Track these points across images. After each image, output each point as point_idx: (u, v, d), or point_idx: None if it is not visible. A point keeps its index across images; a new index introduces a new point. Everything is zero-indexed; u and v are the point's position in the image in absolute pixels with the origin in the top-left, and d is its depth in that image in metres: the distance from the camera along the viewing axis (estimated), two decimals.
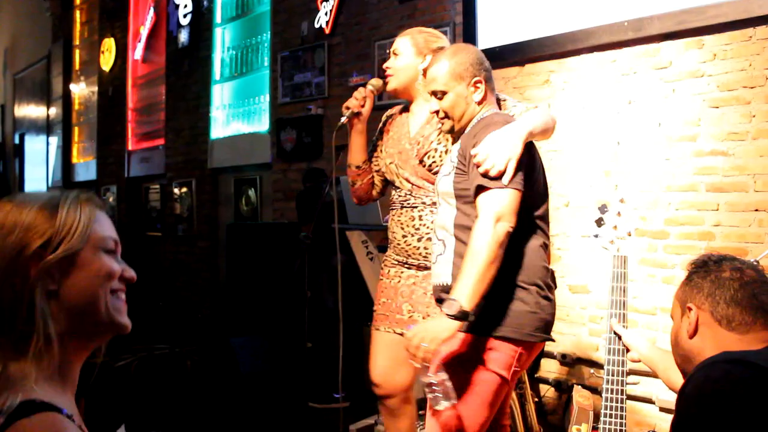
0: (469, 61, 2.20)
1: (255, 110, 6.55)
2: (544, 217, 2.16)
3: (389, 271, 2.59)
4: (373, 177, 2.70)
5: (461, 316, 1.87)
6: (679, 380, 1.68)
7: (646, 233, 3.49)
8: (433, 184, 2.46)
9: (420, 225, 2.47)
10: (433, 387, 1.93)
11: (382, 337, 2.58)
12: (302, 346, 4.00)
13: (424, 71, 2.51)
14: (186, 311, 6.94)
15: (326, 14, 5.45)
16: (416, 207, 2.49)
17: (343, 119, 2.53)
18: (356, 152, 2.63)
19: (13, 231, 1.05)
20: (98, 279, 1.12)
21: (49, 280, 1.06)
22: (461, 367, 2.03)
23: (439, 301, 2.13)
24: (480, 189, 1.97)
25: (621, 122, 3.62)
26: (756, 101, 3.13)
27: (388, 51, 2.67)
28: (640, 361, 2.08)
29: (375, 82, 2.62)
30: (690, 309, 1.50)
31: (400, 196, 2.55)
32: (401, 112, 2.66)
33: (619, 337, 2.18)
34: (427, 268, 2.45)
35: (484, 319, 2.01)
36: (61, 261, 1.07)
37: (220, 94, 7.01)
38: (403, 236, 2.51)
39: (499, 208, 1.93)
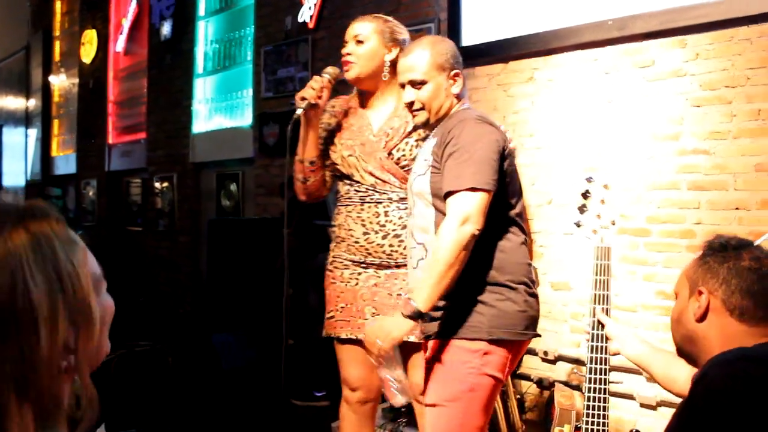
0: (450, 53, 2.17)
1: (238, 104, 6.51)
2: (522, 215, 2.16)
3: (342, 273, 2.45)
4: (324, 173, 2.52)
5: (416, 316, 1.91)
6: (679, 380, 1.69)
7: (628, 231, 3.50)
8: (399, 178, 2.38)
9: (386, 221, 2.37)
10: (389, 383, 1.99)
11: (348, 347, 2.48)
12: (284, 344, 3.98)
13: (392, 63, 2.39)
14: (167, 307, 6.89)
15: (310, 8, 5.42)
16: (381, 203, 2.38)
17: (299, 111, 2.33)
18: (311, 147, 2.43)
19: (27, 327, 0.84)
20: (105, 325, 0.99)
21: (70, 355, 0.90)
22: (457, 372, 2.02)
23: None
24: (449, 192, 1.96)
25: (604, 120, 3.63)
26: (737, 101, 3.15)
27: (345, 39, 2.47)
28: (619, 353, 1.99)
29: (332, 71, 2.43)
30: (701, 293, 1.44)
31: (359, 191, 2.41)
32: (355, 104, 2.51)
33: (602, 326, 2.06)
34: (388, 266, 2.38)
35: (477, 323, 2.00)
36: (77, 329, 0.91)
37: (203, 88, 6.96)
38: (365, 233, 2.39)
39: (465, 210, 1.92)
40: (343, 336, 2.46)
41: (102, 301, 0.98)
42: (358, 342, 2.41)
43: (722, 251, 1.46)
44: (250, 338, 4.43)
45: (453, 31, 4.31)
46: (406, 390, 1.98)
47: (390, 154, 2.38)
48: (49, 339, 0.83)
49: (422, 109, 2.15)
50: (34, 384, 0.84)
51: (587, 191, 2.22)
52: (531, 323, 2.07)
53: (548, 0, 3.87)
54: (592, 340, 2.05)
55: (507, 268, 2.05)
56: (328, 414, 3.70)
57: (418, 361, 2.29)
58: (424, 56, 2.12)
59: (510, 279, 2.04)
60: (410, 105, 2.17)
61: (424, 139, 2.30)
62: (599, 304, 2.08)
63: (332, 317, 2.49)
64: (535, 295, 2.10)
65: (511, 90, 4.05)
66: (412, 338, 2.32)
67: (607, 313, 2.06)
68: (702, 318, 1.44)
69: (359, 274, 2.43)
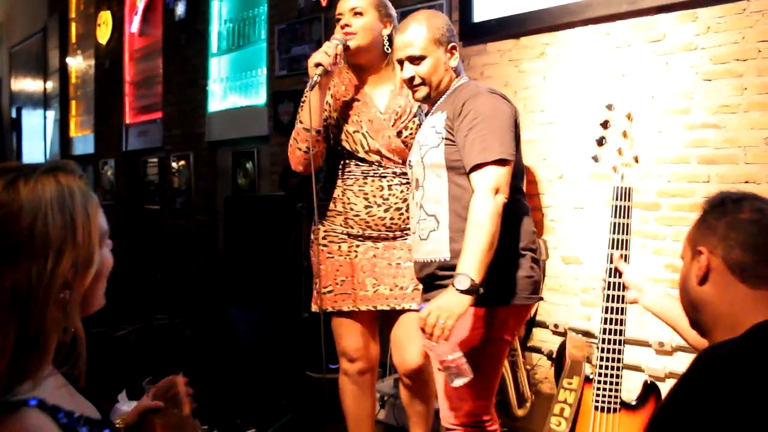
0: (446, 26, 2.19)
1: (252, 83, 6.55)
2: (523, 183, 2.23)
3: (339, 247, 2.47)
4: (325, 144, 2.50)
5: (473, 289, 1.90)
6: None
7: (638, 205, 3.53)
8: (403, 156, 2.41)
9: (389, 195, 2.41)
10: (449, 365, 1.94)
11: (348, 320, 2.52)
12: (299, 317, 4.06)
13: (389, 37, 2.41)
14: (184, 283, 7.00)
15: None
16: (385, 177, 2.42)
17: (316, 78, 2.29)
18: (318, 116, 2.38)
19: (41, 253, 0.99)
20: (103, 276, 1.13)
21: (66, 289, 1.04)
22: (470, 336, 2.08)
23: (434, 277, 2.14)
24: (477, 165, 2.00)
25: (614, 95, 3.65)
26: (748, 74, 3.15)
27: (340, 12, 2.43)
28: (636, 302, 1.93)
29: (341, 37, 2.39)
30: (701, 253, 1.33)
31: (360, 165, 2.43)
32: (352, 79, 2.50)
33: (620, 274, 1.95)
34: (386, 239, 2.42)
35: (490, 290, 2.06)
36: (77, 267, 1.06)
37: (218, 67, 7.00)
38: (366, 206, 2.42)
39: (495, 181, 1.97)
40: (345, 309, 2.49)
41: (103, 253, 1.10)
42: (358, 314, 2.49)
43: (721, 206, 1.35)
44: (267, 312, 4.52)
45: (464, 7, 4.32)
46: (464, 370, 1.95)
47: (399, 133, 2.42)
48: (54, 268, 0.98)
49: (422, 84, 2.17)
50: (30, 307, 0.97)
51: (607, 121, 2.01)
52: (536, 288, 2.14)
53: None
54: (609, 288, 1.98)
55: (515, 236, 2.11)
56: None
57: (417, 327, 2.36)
58: (421, 31, 2.13)
59: (521, 247, 2.11)
60: (410, 81, 2.18)
61: (426, 114, 2.32)
62: (617, 249, 1.96)
63: (331, 291, 2.51)
64: (538, 261, 2.16)
65: (522, 65, 4.07)
66: (413, 305, 2.41)
67: (625, 260, 1.97)
68: (703, 280, 1.32)
69: (357, 246, 2.46)
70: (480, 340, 2.08)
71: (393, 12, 2.49)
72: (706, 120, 3.29)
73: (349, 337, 2.55)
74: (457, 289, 1.90)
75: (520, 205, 2.16)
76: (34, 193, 0.98)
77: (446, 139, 2.09)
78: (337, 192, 2.48)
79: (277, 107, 5.93)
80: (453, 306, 1.90)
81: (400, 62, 2.20)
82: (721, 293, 1.30)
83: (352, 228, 2.46)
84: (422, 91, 2.18)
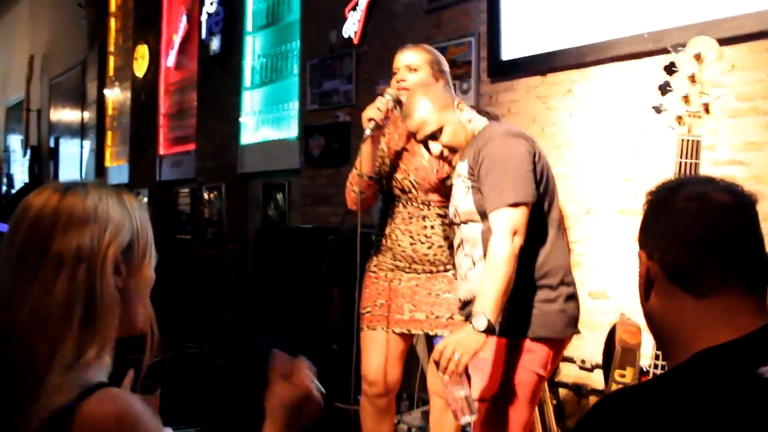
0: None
1: (284, 117, 6.70)
2: (559, 216, 2.25)
3: (386, 274, 2.67)
4: (377, 187, 2.71)
5: (490, 329, 1.97)
6: None
7: None
8: (446, 199, 2.54)
9: (432, 234, 2.60)
10: (459, 400, 1.98)
11: (377, 336, 2.67)
12: (328, 348, 4.11)
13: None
14: (214, 312, 7.10)
15: (354, 24, 5.58)
16: (428, 218, 2.61)
17: (368, 132, 2.50)
18: (371, 163, 2.61)
19: (102, 224, 1.10)
20: (146, 287, 1.21)
21: (119, 277, 1.13)
22: (502, 370, 2.13)
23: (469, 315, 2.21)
24: (493, 209, 2.08)
25: (641, 131, 3.69)
26: None
27: (396, 67, 2.63)
28: None
29: (393, 93, 2.56)
30: (640, 259, 1.08)
31: (405, 206, 2.63)
32: (404, 128, 2.61)
33: None
34: (430, 271, 2.60)
35: (519, 322, 2.11)
36: (130, 261, 1.15)
37: (250, 101, 7.18)
38: (411, 244, 2.61)
39: (511, 225, 2.04)
40: (378, 329, 2.66)
41: (150, 264, 1.21)
42: (388, 338, 2.65)
43: (657, 196, 1.09)
44: (296, 343, 4.58)
45: (492, 44, 4.42)
46: (472, 406, 2.00)
47: (441, 180, 2.57)
48: (113, 237, 1.11)
49: (452, 151, 2.25)
50: (91, 267, 1.08)
51: (673, 64, 1.78)
52: (570, 322, 2.17)
53: (586, 14, 3.96)
54: None
55: (546, 270, 2.16)
56: None
57: None
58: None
59: (552, 281, 2.15)
60: (440, 156, 2.27)
61: None
62: None
63: (368, 312, 2.69)
64: (574, 295, 2.19)
65: (549, 102, 4.14)
66: (446, 333, 2.51)
67: None
68: (647, 293, 1.08)
69: (401, 276, 2.65)
70: (505, 371, 2.13)
71: (446, 68, 2.65)
72: (732, 157, 3.31)
73: (372, 358, 2.69)
74: (474, 328, 1.96)
75: (548, 238, 2.19)
76: (99, 190, 1.15)
77: (472, 187, 2.17)
78: (387, 230, 2.68)
79: (308, 141, 6.05)
80: (470, 342, 1.96)
81: (423, 143, 2.28)
82: (666, 307, 1.05)
83: (400, 261, 2.66)
84: (456, 159, 2.28)
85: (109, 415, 1.01)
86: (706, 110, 1.69)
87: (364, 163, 2.58)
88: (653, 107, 1.85)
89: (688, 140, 1.70)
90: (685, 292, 1.01)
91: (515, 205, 2.04)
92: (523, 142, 2.16)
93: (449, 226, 2.55)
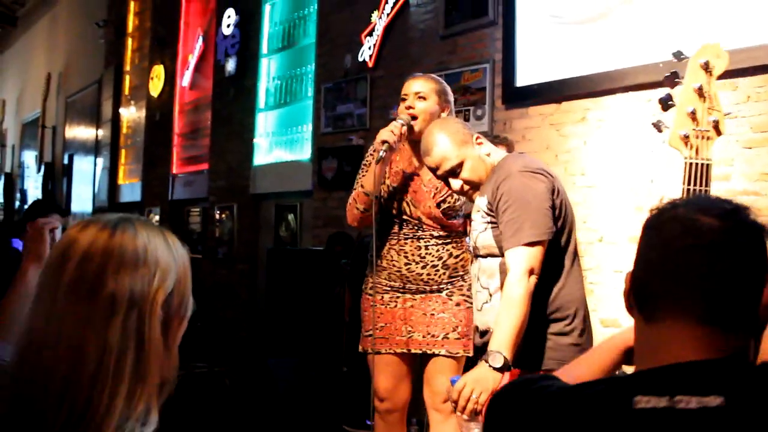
0: (460, 124, 2.32)
1: (297, 139, 6.75)
2: (577, 249, 2.24)
3: (383, 297, 2.74)
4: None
5: (506, 367, 1.98)
6: None
7: None
8: (441, 223, 2.65)
9: (426, 254, 2.67)
10: None
11: (383, 359, 2.75)
12: (338, 370, 4.12)
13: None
14: (224, 332, 7.10)
15: (370, 48, 5.64)
16: (422, 238, 2.69)
17: (382, 154, 2.55)
18: (376, 181, 2.65)
19: (151, 268, 1.05)
20: (181, 331, 1.13)
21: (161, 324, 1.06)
22: None
23: (483, 347, 2.20)
24: (510, 247, 2.07)
25: (654, 160, 3.70)
26: None
27: (405, 93, 2.68)
28: None
29: (405, 117, 2.63)
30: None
31: (402, 228, 2.71)
32: (408, 153, 2.74)
33: None
34: (423, 291, 2.68)
35: (532, 354, 2.11)
36: (171, 307, 1.08)
37: (264, 122, 7.23)
38: (406, 264, 2.68)
39: (527, 264, 2.04)
40: (383, 351, 2.74)
41: (186, 314, 1.13)
42: (394, 357, 2.74)
43: (656, 212, 1.02)
44: (306, 364, 4.58)
45: (507, 71, 4.45)
46: None
47: (438, 205, 2.65)
48: (161, 283, 1.05)
49: (472, 187, 2.26)
50: (142, 312, 1.02)
51: (675, 75, 1.53)
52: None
53: (600, 42, 3.99)
54: None
55: (561, 303, 2.15)
56: None
57: (445, 369, 2.59)
58: (445, 143, 2.22)
59: (564, 312, 2.14)
60: (461, 191, 2.28)
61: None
62: None
63: (371, 335, 2.76)
64: (589, 327, 2.19)
65: (563, 130, 4.16)
66: (443, 351, 2.64)
67: None
68: (628, 306, 1.04)
69: (397, 297, 2.73)
70: None
71: (451, 98, 2.74)
72: (747, 187, 3.32)
73: (381, 377, 2.76)
74: (491, 366, 1.96)
75: (564, 270, 2.18)
76: (146, 228, 1.09)
77: (490, 222, 2.18)
78: (384, 250, 2.74)
79: (321, 163, 6.09)
80: (487, 381, 1.95)
81: (444, 180, 2.30)
82: (636, 332, 1.04)
83: (395, 282, 2.72)
84: (476, 193, 2.27)
85: None
86: (717, 130, 1.44)
87: (372, 182, 2.64)
88: (653, 124, 1.67)
89: (695, 164, 1.47)
90: (638, 312, 1.00)
91: (531, 244, 2.04)
92: (542, 178, 2.14)
93: (443, 245, 2.66)
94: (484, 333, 2.23)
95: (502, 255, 2.15)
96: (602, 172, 3.93)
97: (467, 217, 2.57)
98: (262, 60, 7.30)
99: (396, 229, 2.72)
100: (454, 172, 2.23)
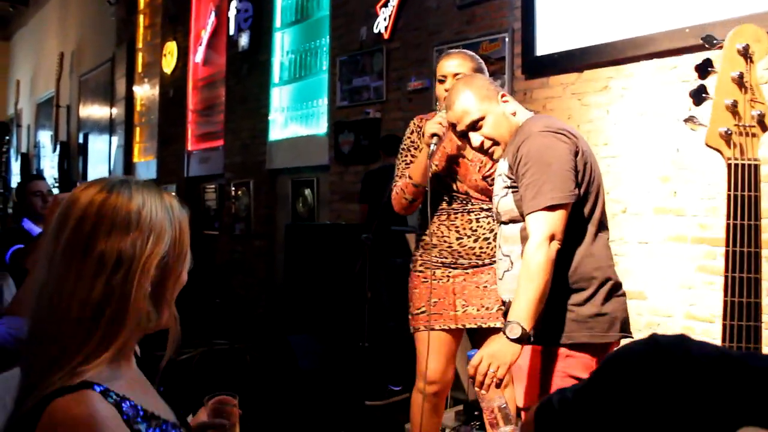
0: (487, 81, 2.24)
1: (313, 113, 6.69)
2: (602, 213, 2.13)
3: (434, 272, 2.70)
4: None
5: (525, 338, 1.90)
6: None
7: (705, 240, 3.48)
8: (489, 194, 2.56)
9: (477, 227, 2.65)
10: (495, 412, 1.91)
11: (435, 337, 2.68)
12: (359, 346, 4.10)
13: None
14: (242, 309, 7.12)
15: (385, 19, 5.55)
16: (473, 211, 2.66)
17: (433, 147, 2.53)
18: (424, 173, 2.63)
19: (145, 231, 1.12)
20: (178, 287, 1.22)
21: (150, 281, 1.14)
22: (539, 377, 2.06)
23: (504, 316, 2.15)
24: (530, 212, 1.99)
25: (680, 129, 3.61)
26: None
27: (443, 75, 2.65)
28: None
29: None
30: None
31: (450, 203, 2.68)
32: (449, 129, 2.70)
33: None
34: (475, 266, 2.64)
35: (556, 328, 2.03)
36: (167, 266, 1.16)
37: (279, 97, 7.17)
38: (458, 238, 2.65)
39: (548, 229, 1.95)
40: (437, 327, 2.68)
41: (184, 265, 1.22)
42: (446, 336, 2.68)
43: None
44: (326, 340, 4.56)
45: (527, 41, 4.36)
46: (510, 417, 1.95)
47: (484, 177, 2.61)
48: (154, 246, 1.13)
49: (494, 144, 2.17)
50: (127, 275, 1.10)
51: (709, 62, 1.37)
52: (612, 325, 2.07)
53: (623, 8, 3.88)
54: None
55: (584, 272, 2.07)
56: (401, 412, 3.79)
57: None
58: (469, 97, 2.15)
59: (588, 282, 2.06)
60: (481, 147, 2.18)
61: None
62: (741, 268, 1.35)
63: (423, 312, 2.70)
64: (618, 296, 2.11)
65: (585, 99, 4.07)
66: (498, 324, 2.54)
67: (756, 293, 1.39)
68: None
69: (450, 272, 2.68)
70: (545, 378, 2.07)
71: (487, 74, 2.67)
72: None
73: (432, 358, 2.67)
74: (508, 338, 1.90)
75: (587, 238, 2.09)
76: (142, 191, 1.16)
77: (510, 187, 2.10)
78: (432, 227, 2.71)
79: (338, 137, 6.04)
80: (505, 354, 1.90)
81: (464, 135, 2.21)
82: None
83: (447, 258, 2.68)
84: (497, 151, 2.18)
85: (74, 416, 1.03)
86: (762, 125, 1.24)
87: (422, 174, 2.63)
88: (685, 121, 1.49)
89: (741, 165, 1.27)
90: None
91: (552, 208, 1.96)
92: (564, 139, 2.04)
93: (494, 219, 2.54)
94: (504, 303, 2.18)
95: (523, 220, 2.08)
96: (626, 141, 3.85)
97: None
98: (276, 34, 7.22)
99: (444, 205, 2.70)
100: (475, 126, 2.15)
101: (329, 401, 4.16)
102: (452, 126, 2.28)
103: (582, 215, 2.08)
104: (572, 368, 2.04)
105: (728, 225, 1.34)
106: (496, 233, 2.48)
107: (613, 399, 0.85)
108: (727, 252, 1.32)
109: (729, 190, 1.34)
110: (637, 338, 1.20)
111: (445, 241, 2.69)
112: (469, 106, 2.14)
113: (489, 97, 2.16)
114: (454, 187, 2.67)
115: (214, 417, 1.41)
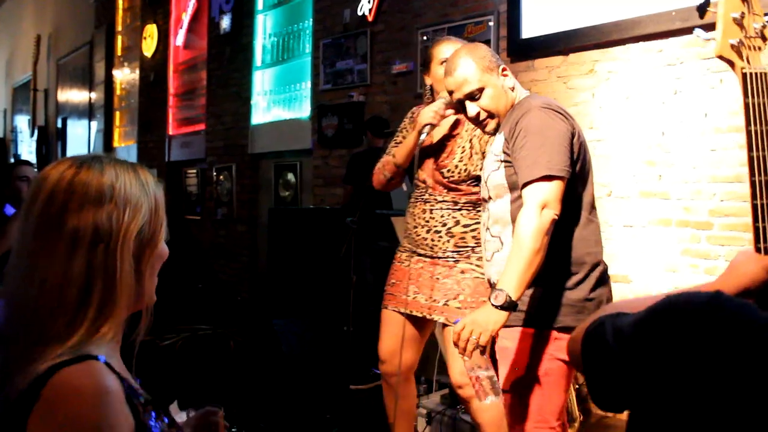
0: (489, 52, 2.18)
1: (296, 97, 6.63)
2: (593, 200, 2.15)
3: (401, 255, 2.76)
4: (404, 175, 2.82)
5: (509, 306, 1.87)
6: None
7: (690, 224, 3.49)
8: (448, 189, 2.58)
9: (429, 218, 2.64)
10: (481, 381, 1.92)
11: (390, 316, 2.76)
12: (343, 330, 4.08)
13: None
14: (225, 294, 7.07)
15: (369, 2, 5.49)
16: (428, 202, 2.65)
17: (425, 135, 2.53)
18: (408, 156, 2.67)
19: (120, 205, 1.11)
20: (159, 261, 1.21)
21: (132, 256, 1.12)
22: (527, 359, 2.06)
23: None
24: (526, 182, 1.97)
25: (666, 112, 3.62)
26: None
27: (442, 59, 2.60)
28: None
29: (447, 96, 2.49)
30: None
31: (416, 191, 2.72)
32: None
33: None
34: (431, 257, 2.63)
35: (545, 311, 2.03)
36: (144, 239, 1.14)
37: (261, 81, 7.10)
38: (414, 227, 2.69)
39: (543, 197, 1.93)
40: (389, 308, 2.75)
41: (162, 239, 1.20)
42: (399, 318, 2.73)
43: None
44: (310, 324, 4.54)
45: (513, 23, 4.33)
46: (496, 387, 1.94)
47: (439, 169, 2.61)
48: (131, 220, 1.12)
49: (489, 116, 2.14)
50: (110, 249, 1.09)
51: (707, 2, 1.45)
52: (600, 309, 2.07)
53: None
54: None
55: (576, 256, 2.06)
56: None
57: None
58: (470, 66, 2.12)
59: (579, 267, 2.06)
60: (476, 118, 2.16)
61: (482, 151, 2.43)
62: (761, 172, 1.34)
63: (384, 290, 2.80)
64: (605, 282, 2.11)
65: (571, 82, 4.06)
66: (441, 319, 2.60)
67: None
68: None
69: (412, 258, 2.71)
70: (532, 361, 2.06)
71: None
72: None
73: (384, 338, 2.77)
74: (493, 305, 1.88)
75: (579, 221, 2.10)
76: (114, 166, 1.14)
77: (504, 161, 2.08)
78: (407, 214, 2.78)
79: (321, 121, 5.99)
80: (488, 322, 1.88)
81: (461, 103, 2.18)
82: None
83: (410, 244, 2.73)
84: (491, 124, 2.16)
85: (79, 386, 1.01)
86: (763, 37, 1.34)
87: (405, 156, 2.67)
88: (696, 34, 1.54)
89: (753, 74, 1.31)
90: None
91: (548, 178, 1.94)
92: (562, 118, 2.05)
93: (450, 212, 2.59)
94: (494, 286, 2.16)
95: (512, 193, 2.06)
96: (611, 125, 3.85)
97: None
98: (258, 17, 7.13)
99: (415, 193, 2.74)
100: (473, 96, 2.13)
101: (313, 385, 4.14)
102: (449, 92, 2.25)
103: (575, 198, 2.08)
104: (561, 351, 2.04)
105: (748, 131, 1.38)
106: (449, 228, 2.59)
107: (670, 350, 0.85)
108: (750, 158, 1.37)
109: (744, 97, 1.39)
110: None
111: (408, 227, 2.75)
112: (470, 75, 2.12)
113: (490, 68, 2.13)
114: (416, 174, 2.68)
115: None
